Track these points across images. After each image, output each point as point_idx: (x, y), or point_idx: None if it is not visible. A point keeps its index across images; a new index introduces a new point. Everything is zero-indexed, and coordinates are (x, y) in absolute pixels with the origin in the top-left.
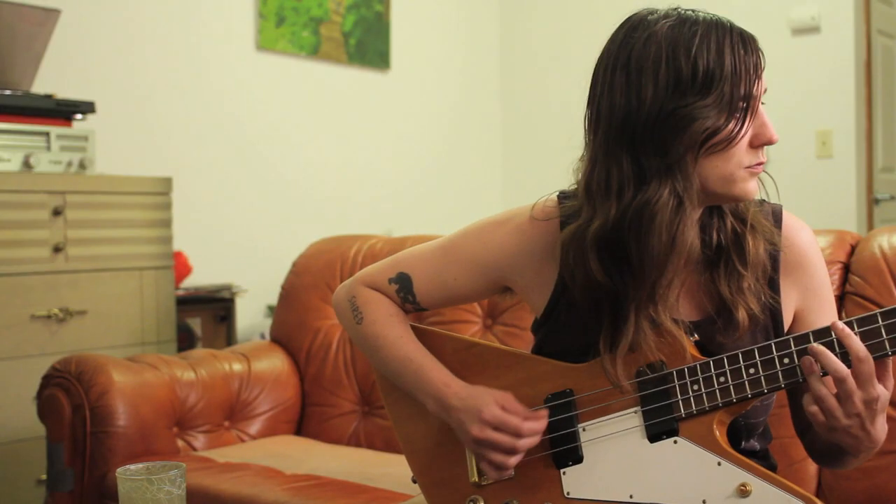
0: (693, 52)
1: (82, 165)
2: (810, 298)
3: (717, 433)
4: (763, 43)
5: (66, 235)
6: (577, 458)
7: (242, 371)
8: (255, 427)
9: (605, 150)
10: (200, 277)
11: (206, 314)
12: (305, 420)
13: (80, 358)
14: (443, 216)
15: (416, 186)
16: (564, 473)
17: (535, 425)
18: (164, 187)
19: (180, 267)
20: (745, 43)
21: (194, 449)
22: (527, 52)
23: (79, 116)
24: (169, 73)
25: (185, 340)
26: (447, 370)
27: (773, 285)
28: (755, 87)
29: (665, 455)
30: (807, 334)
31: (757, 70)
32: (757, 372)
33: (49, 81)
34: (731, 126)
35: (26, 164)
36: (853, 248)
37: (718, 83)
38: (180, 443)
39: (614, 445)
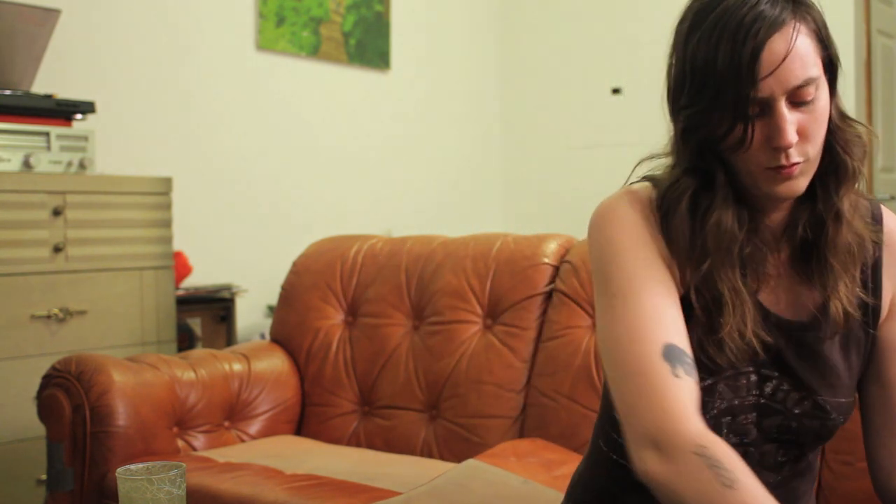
0: (689, 49)
1: (82, 165)
2: None
3: None
4: None
5: (66, 235)
6: None
7: (242, 371)
8: (255, 427)
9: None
10: (200, 277)
11: (206, 314)
12: (305, 420)
13: (80, 358)
14: (443, 216)
15: (416, 186)
16: None
17: None
18: (164, 187)
19: (180, 267)
20: (745, 30)
21: (194, 449)
22: (527, 52)
23: (79, 116)
24: (169, 73)
25: (185, 340)
26: None
27: (875, 282)
28: (754, 88)
29: None
30: None
31: (753, 67)
32: None
33: (49, 81)
34: (736, 131)
35: (26, 164)
36: None
37: (710, 84)
38: (180, 443)
39: None
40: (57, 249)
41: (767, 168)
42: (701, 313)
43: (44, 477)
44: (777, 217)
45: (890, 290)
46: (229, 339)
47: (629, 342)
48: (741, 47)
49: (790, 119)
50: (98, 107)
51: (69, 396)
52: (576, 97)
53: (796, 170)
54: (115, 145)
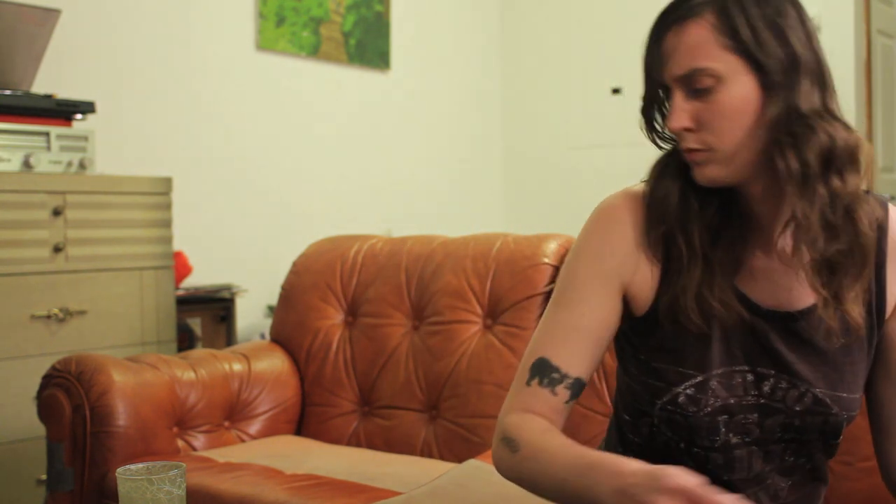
0: None
1: (82, 165)
2: None
3: None
4: None
5: (66, 235)
6: None
7: (242, 371)
8: (255, 427)
9: None
10: (200, 277)
11: (206, 314)
12: (305, 420)
13: (80, 358)
14: (443, 216)
15: (416, 186)
16: None
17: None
18: (164, 187)
19: (180, 267)
20: (656, 24)
21: (194, 449)
22: (528, 52)
23: (79, 116)
24: (169, 72)
25: (185, 340)
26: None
27: (879, 284)
28: (657, 73)
29: None
30: None
31: (652, 54)
32: None
33: (49, 81)
34: (651, 113)
35: (26, 164)
36: None
37: (644, 73)
38: (180, 443)
39: None
40: (57, 249)
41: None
42: (669, 281)
43: (44, 477)
44: (763, 209)
45: None
46: (229, 339)
47: (526, 350)
48: (650, 35)
49: (679, 106)
50: (98, 107)
51: (69, 396)
52: (576, 97)
53: (698, 157)
54: (115, 145)
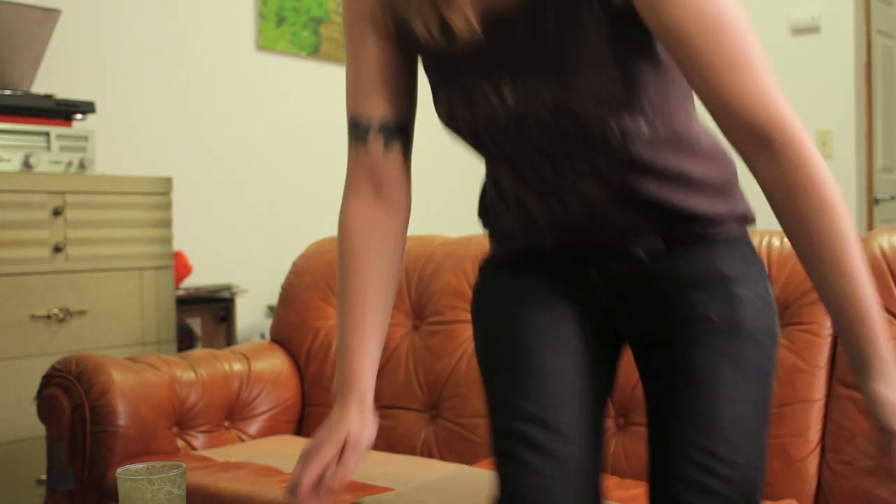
0: None
1: (82, 165)
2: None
3: None
4: (763, 43)
5: (66, 235)
6: None
7: (242, 371)
8: (255, 427)
9: None
10: (200, 277)
11: (206, 314)
12: (305, 420)
13: (80, 358)
14: (442, 215)
15: (416, 186)
16: None
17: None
18: (164, 187)
19: (180, 267)
20: None
21: (194, 449)
22: None
23: (79, 116)
24: (169, 73)
25: (185, 340)
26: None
27: None
28: None
29: None
30: None
31: None
32: None
33: (49, 81)
34: None
35: (26, 164)
36: None
37: None
38: (180, 442)
39: None
40: (57, 249)
41: None
42: None
43: (44, 477)
44: None
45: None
46: (229, 339)
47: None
48: None
49: None
50: (98, 107)
51: (69, 396)
52: None
53: None
54: (115, 145)
